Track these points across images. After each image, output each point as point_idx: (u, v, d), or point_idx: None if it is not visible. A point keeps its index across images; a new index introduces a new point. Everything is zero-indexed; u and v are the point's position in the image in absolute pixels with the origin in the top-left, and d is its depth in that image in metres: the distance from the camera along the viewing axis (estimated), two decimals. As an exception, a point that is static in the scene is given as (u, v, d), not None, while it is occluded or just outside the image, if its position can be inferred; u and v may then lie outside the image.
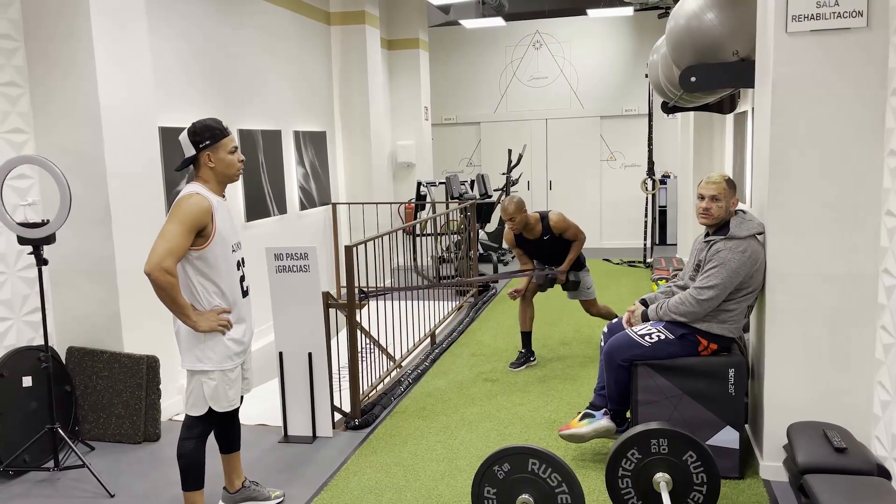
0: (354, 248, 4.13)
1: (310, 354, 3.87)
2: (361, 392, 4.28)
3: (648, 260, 8.99)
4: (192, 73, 5.34)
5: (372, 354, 4.92)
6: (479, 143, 11.22)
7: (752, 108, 5.26)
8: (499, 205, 6.99)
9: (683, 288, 3.34)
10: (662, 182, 10.21)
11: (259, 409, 4.38)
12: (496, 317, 6.53)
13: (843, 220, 3.01)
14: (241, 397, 2.98)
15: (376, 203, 7.60)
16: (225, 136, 2.75)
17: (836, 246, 3.02)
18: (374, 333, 4.97)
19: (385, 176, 8.91)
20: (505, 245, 8.05)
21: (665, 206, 10.49)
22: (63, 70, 3.83)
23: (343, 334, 5.35)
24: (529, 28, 10.82)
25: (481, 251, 9.04)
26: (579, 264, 5.11)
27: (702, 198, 3.23)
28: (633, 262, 9.18)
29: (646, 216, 9.20)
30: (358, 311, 4.33)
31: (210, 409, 2.76)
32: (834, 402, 3.08)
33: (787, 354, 3.13)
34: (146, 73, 4.20)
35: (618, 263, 9.22)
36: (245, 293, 2.87)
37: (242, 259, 2.91)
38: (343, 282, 7.64)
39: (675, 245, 10.05)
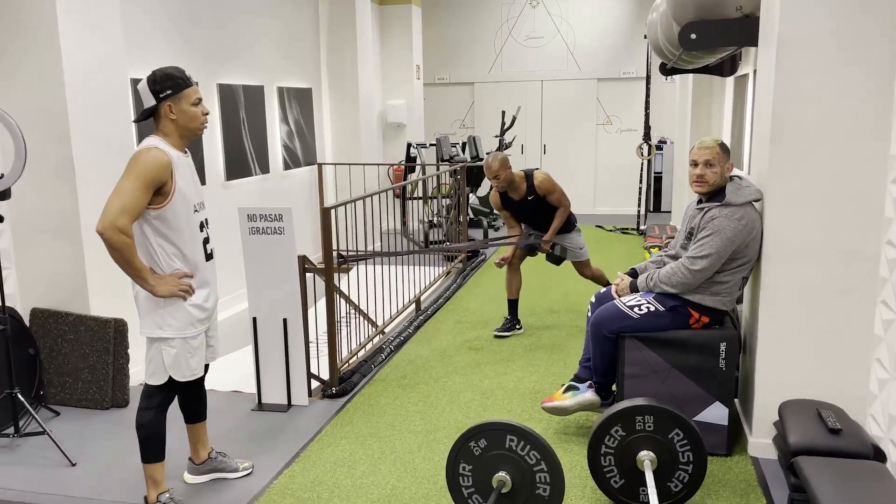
0: (333, 211, 3.94)
1: (284, 320, 3.71)
2: (340, 360, 4.14)
3: (642, 227, 8.82)
4: (167, 23, 5.07)
5: (355, 320, 4.77)
6: (472, 104, 10.94)
7: (755, 70, 5.04)
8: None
9: (675, 258, 3.17)
10: (658, 148, 10.00)
11: (235, 376, 4.24)
12: (483, 284, 6.38)
13: (846, 188, 2.83)
14: (207, 366, 2.83)
15: (363, 164, 7.38)
16: (188, 85, 2.55)
17: (837, 215, 2.85)
18: (358, 298, 4.81)
19: (374, 136, 8.67)
20: (492, 206, 7.87)
21: (660, 173, 10.29)
22: (21, 20, 3.58)
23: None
24: (526, -15, 10.46)
25: (472, 216, 8.85)
26: (570, 225, 4.93)
27: (695, 164, 3.05)
28: (626, 229, 9.01)
29: (640, 182, 9.01)
30: (341, 275, 4.18)
31: (170, 378, 2.61)
32: (828, 379, 2.94)
33: (781, 329, 2.98)
34: (113, 22, 3.95)
35: (611, 230, 9.05)
36: (209, 256, 2.69)
37: (206, 220, 2.72)
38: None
39: (670, 212, 9.87)
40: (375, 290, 5.17)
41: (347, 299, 4.50)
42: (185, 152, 2.65)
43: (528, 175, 4.72)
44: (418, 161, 8.64)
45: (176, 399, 2.78)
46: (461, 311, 5.53)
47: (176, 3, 5.16)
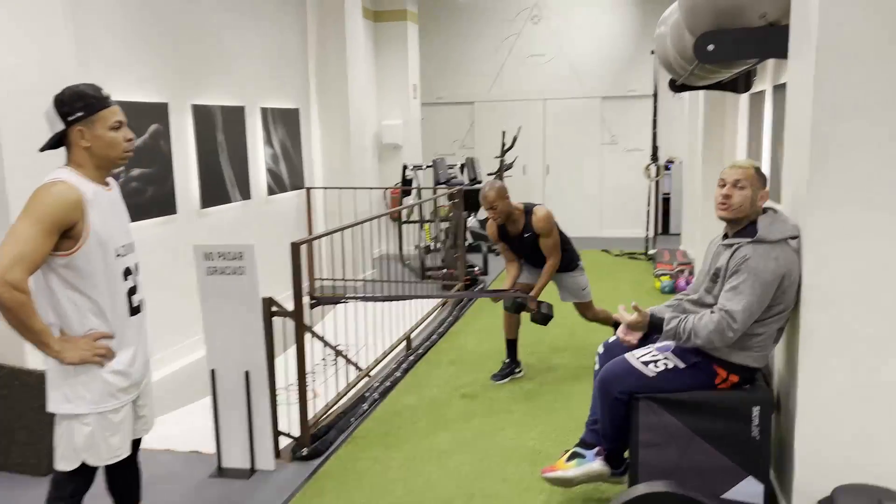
0: (306, 246, 3.49)
1: (247, 374, 3.25)
2: (314, 413, 3.67)
3: (650, 252, 8.35)
4: (134, 39, 4.66)
5: (335, 363, 4.30)
6: (472, 124, 10.53)
7: (776, 85, 4.60)
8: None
9: (698, 303, 2.69)
10: (666, 168, 9.55)
11: (197, 433, 3.76)
12: (483, 315, 5.90)
13: (903, 223, 2.36)
14: (138, 440, 2.36)
15: (354, 188, 6.95)
16: (104, 106, 2.10)
17: (893, 251, 2.38)
18: (343, 335, 4.36)
19: (368, 158, 8.25)
20: (488, 238, 7.42)
21: (668, 194, 9.83)
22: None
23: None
24: (527, 0, 10.08)
25: (470, 240, 8.40)
26: (571, 263, 4.46)
27: (723, 184, 2.59)
28: (634, 254, 8.53)
29: (648, 205, 8.54)
30: (325, 309, 3.72)
31: (84, 462, 2.14)
32: (890, 455, 2.45)
33: (826, 390, 2.49)
34: (60, 35, 3.53)
35: (617, 255, 8.58)
36: (135, 310, 2.23)
37: (135, 266, 2.27)
38: (316, 275, 7.01)
39: (679, 235, 9.40)
40: (357, 326, 4.70)
41: (326, 343, 4.03)
42: (107, 185, 2.20)
43: (528, 210, 4.26)
44: (414, 184, 8.21)
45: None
46: (456, 350, 5.05)
47: (144, 17, 4.76)
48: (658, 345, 2.70)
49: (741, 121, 6.14)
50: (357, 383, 4.29)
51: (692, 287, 2.90)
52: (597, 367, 2.98)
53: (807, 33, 2.49)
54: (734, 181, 2.55)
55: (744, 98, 6.07)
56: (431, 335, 5.33)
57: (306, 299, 6.94)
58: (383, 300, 4.19)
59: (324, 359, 4.66)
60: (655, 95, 8.35)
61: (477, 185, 7.79)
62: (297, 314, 3.43)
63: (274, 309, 3.41)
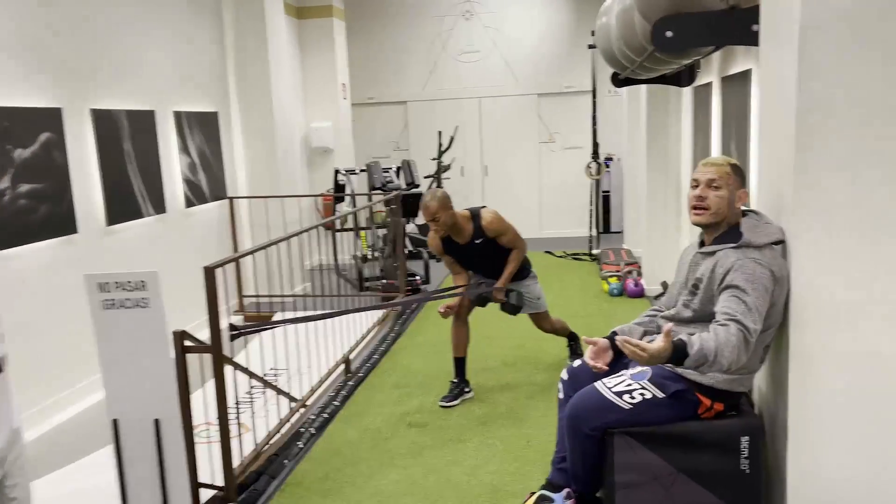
0: (221, 270, 3.02)
1: (157, 422, 2.76)
2: (242, 459, 3.21)
3: (594, 251, 8.14)
4: (17, 34, 4.07)
5: (264, 394, 3.84)
6: (406, 124, 10.13)
7: (734, 75, 4.38)
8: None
9: (676, 319, 2.36)
10: (606, 165, 9.38)
11: (95, 489, 3.23)
12: (428, 329, 5.51)
13: (902, 224, 2.10)
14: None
15: (282, 196, 6.45)
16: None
17: (892, 260, 2.11)
18: (275, 358, 3.90)
19: (296, 164, 7.75)
20: (431, 251, 7.04)
21: (608, 192, 9.68)
22: None
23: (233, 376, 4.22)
24: (458, -4, 9.75)
25: (410, 248, 8.00)
26: (524, 271, 4.14)
27: (696, 184, 2.28)
28: (578, 254, 8.31)
29: (591, 203, 8.34)
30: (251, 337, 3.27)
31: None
32: (892, 484, 2.18)
33: (819, 413, 2.21)
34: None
35: (561, 256, 8.33)
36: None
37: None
38: (246, 291, 6.49)
39: (621, 233, 9.25)
40: (291, 348, 4.24)
41: (251, 375, 3.57)
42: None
43: (475, 215, 3.91)
44: (348, 189, 7.76)
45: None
46: (400, 371, 4.64)
47: (29, 10, 4.17)
48: (632, 371, 2.37)
49: (685, 115, 5.95)
50: (292, 416, 3.83)
51: (664, 301, 2.59)
52: (560, 395, 2.64)
53: (785, 14, 2.21)
54: (708, 181, 2.25)
55: (687, 91, 5.88)
56: (372, 355, 4.91)
57: (239, 318, 6.44)
58: (316, 319, 3.74)
59: (252, 387, 4.18)
60: (594, 91, 8.15)
61: (415, 190, 7.41)
62: (214, 348, 2.96)
63: (188, 344, 2.94)
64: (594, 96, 8.15)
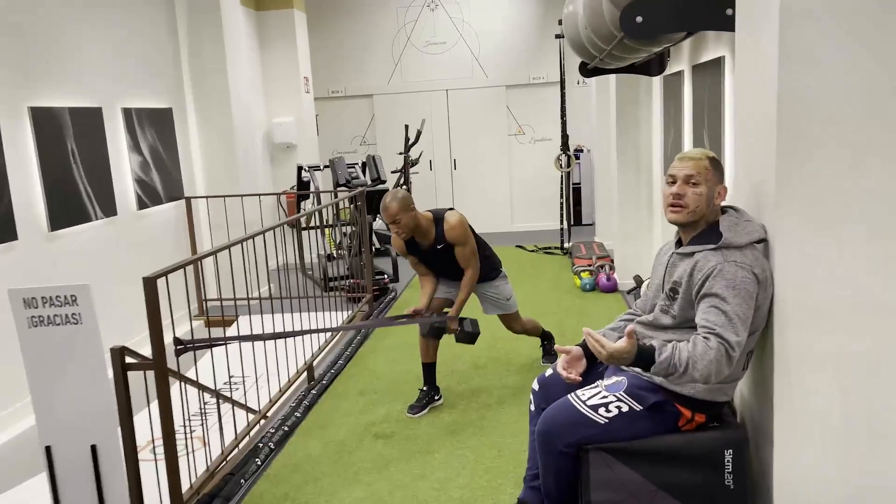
0: (164, 279, 2.79)
1: (94, 448, 2.54)
2: (195, 479, 2.99)
3: (566, 245, 8.00)
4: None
5: (218, 408, 3.61)
6: (372, 118, 9.89)
7: (706, 62, 4.23)
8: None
9: (654, 325, 2.20)
10: (576, 157, 9.25)
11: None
12: (395, 332, 5.31)
13: (893, 217, 1.95)
14: None
15: (241, 195, 6.19)
16: None
17: (882, 256, 1.97)
18: (239, 367, 3.67)
19: (257, 160, 7.49)
20: (394, 251, 6.81)
21: (579, 184, 9.56)
22: None
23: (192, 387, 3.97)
24: (423, -14, 9.53)
25: (377, 245, 7.80)
26: (493, 271, 3.97)
27: (672, 181, 2.11)
28: (550, 248, 8.17)
29: (562, 196, 8.19)
30: (215, 332, 3.04)
31: None
32: (882, 495, 2.05)
33: (806, 422, 2.07)
34: None
35: (533, 251, 8.19)
36: None
37: None
38: (206, 295, 6.23)
39: (592, 225, 9.15)
40: (250, 354, 4.02)
41: (202, 388, 3.35)
42: None
43: (439, 218, 3.71)
44: (312, 186, 7.51)
45: None
46: (366, 377, 4.44)
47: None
48: (607, 382, 2.20)
49: (656, 105, 5.82)
50: (250, 430, 3.61)
51: (640, 304, 2.43)
52: (532, 407, 2.47)
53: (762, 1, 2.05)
54: (686, 177, 2.08)
55: (657, 81, 5.75)
56: (337, 360, 4.70)
57: (199, 323, 6.17)
58: (269, 338, 3.51)
59: (207, 402, 3.95)
60: (563, 82, 7.99)
61: (381, 186, 7.19)
62: (157, 364, 2.73)
63: (129, 361, 2.71)
64: (563, 87, 8.00)
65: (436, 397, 3.90)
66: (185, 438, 3.13)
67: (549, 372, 2.47)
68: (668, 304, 2.14)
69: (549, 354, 4.39)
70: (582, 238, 8.24)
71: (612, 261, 6.56)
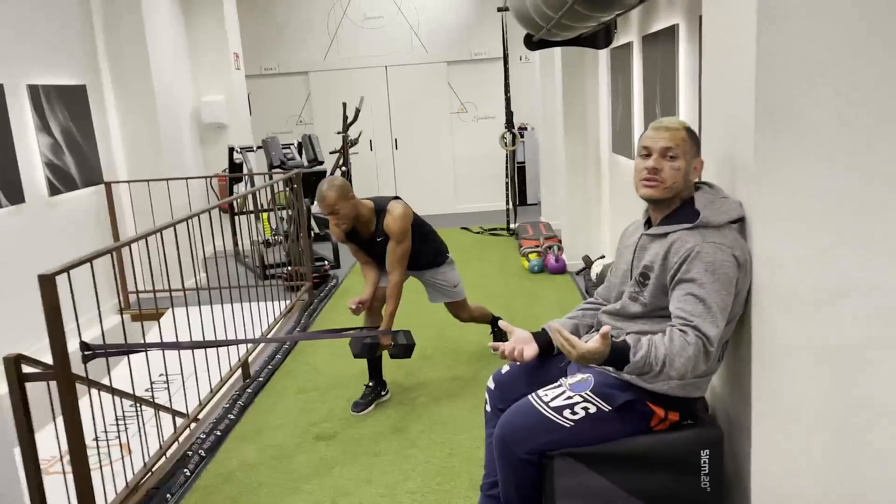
0: (64, 276, 2.44)
1: (-16, 475, 2.19)
2: (113, 497, 2.66)
3: (513, 226, 7.82)
4: None
5: (137, 413, 3.27)
6: (308, 96, 9.47)
7: (658, 32, 4.05)
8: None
9: (622, 315, 2.00)
10: (520, 135, 9.06)
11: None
12: (338, 321, 5.01)
13: (882, 194, 1.78)
14: None
15: (168, 179, 5.75)
16: None
17: (870, 237, 1.80)
18: (169, 364, 3.31)
19: (185, 142, 7.02)
20: (334, 239, 6.48)
21: (523, 163, 9.39)
22: None
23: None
24: (358, -43, 9.11)
25: (316, 230, 7.44)
26: (438, 256, 3.72)
27: (647, 153, 1.89)
28: (496, 229, 7.98)
29: (507, 176, 7.99)
30: (147, 326, 2.70)
31: None
32: (865, 489, 1.90)
33: (787, 418, 1.90)
34: None
35: (478, 232, 7.98)
36: None
37: None
38: (132, 287, 5.79)
39: (538, 205, 9.00)
40: (175, 353, 3.67)
41: (117, 394, 3.00)
42: None
43: (381, 208, 3.42)
44: (245, 169, 7.09)
45: None
46: (306, 372, 4.15)
47: None
48: (572, 380, 1.99)
49: (602, 79, 5.64)
50: (178, 436, 3.29)
51: (602, 292, 2.22)
52: (487, 407, 2.24)
53: (736, -54, 1.84)
54: (663, 150, 1.86)
55: (603, 54, 5.57)
56: (275, 354, 4.39)
57: (123, 318, 5.72)
58: (188, 347, 3.16)
59: (126, 409, 3.59)
60: (506, 58, 7.75)
61: (318, 167, 6.83)
62: (60, 373, 2.39)
63: (28, 370, 2.37)
64: (506, 63, 7.76)
65: (382, 392, 3.65)
66: (99, 451, 2.80)
67: (505, 368, 2.24)
68: (638, 291, 1.93)
69: (502, 342, 4.18)
70: (528, 218, 8.08)
71: (560, 241, 6.41)
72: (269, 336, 4.44)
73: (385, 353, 3.62)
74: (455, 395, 3.65)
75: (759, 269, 1.86)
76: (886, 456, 1.88)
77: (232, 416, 3.55)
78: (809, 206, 1.79)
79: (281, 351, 4.43)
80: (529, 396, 1.98)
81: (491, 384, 2.24)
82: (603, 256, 5.66)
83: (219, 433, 3.38)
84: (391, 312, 3.46)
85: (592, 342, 1.71)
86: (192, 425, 3.45)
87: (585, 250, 5.88)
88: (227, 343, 3.61)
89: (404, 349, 3.48)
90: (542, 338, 2.11)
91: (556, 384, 1.99)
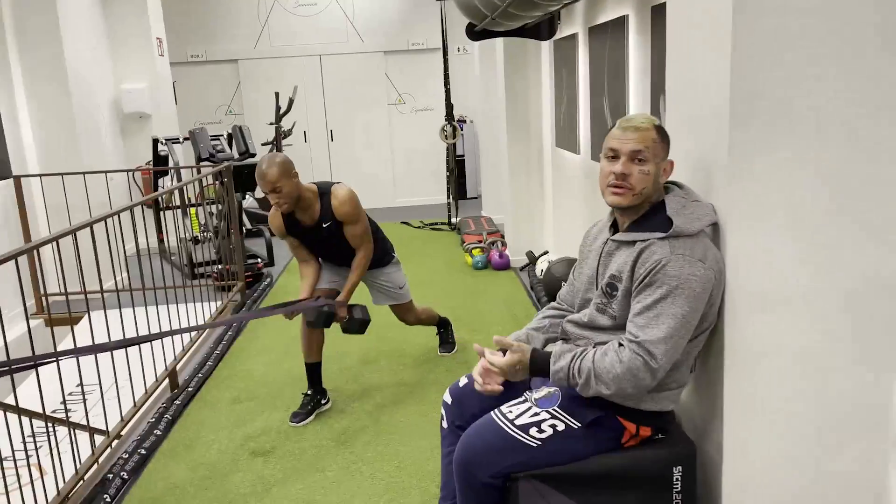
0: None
1: None
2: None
3: (454, 221, 7.67)
4: None
5: (49, 432, 2.96)
6: (238, 85, 9.06)
7: (606, 23, 3.94)
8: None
9: (589, 327, 1.85)
10: (459, 127, 8.91)
11: None
12: (275, 325, 4.74)
13: (860, 191, 1.69)
14: None
15: (86, 172, 5.33)
16: None
17: (849, 238, 1.71)
18: (89, 373, 2.99)
19: (104, 133, 6.56)
20: (269, 233, 6.17)
21: (463, 156, 9.24)
22: None
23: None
24: (290, -59, 8.75)
25: (248, 225, 7.11)
26: (386, 256, 3.52)
27: (614, 155, 1.75)
28: (437, 224, 7.81)
29: (448, 170, 7.83)
30: (61, 333, 2.40)
31: None
32: (840, 498, 1.82)
33: (760, 432, 1.80)
34: None
35: (419, 227, 7.80)
36: None
37: None
38: (44, 289, 5.35)
39: (478, 199, 8.89)
40: (94, 361, 3.35)
41: (24, 414, 2.69)
42: None
43: (324, 191, 3.20)
44: (170, 161, 6.68)
45: None
46: (241, 380, 3.88)
47: None
48: (538, 395, 1.84)
49: (545, 71, 5.53)
50: (98, 456, 2.99)
51: (566, 296, 2.07)
52: (444, 423, 2.07)
53: (708, -73, 1.71)
54: (632, 153, 1.72)
55: (546, 46, 5.46)
56: (206, 361, 4.10)
57: (38, 322, 5.27)
58: (116, 348, 2.86)
59: (35, 429, 3.25)
60: (445, 48, 7.57)
61: (249, 160, 6.49)
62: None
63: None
64: (445, 54, 7.58)
65: (322, 401, 3.43)
66: (4, 476, 2.49)
67: (463, 381, 2.07)
68: (606, 303, 1.79)
69: (448, 343, 4.03)
70: (469, 212, 7.95)
71: (503, 236, 6.30)
72: (208, 324, 4.14)
73: (321, 366, 3.40)
74: (400, 402, 3.46)
75: (733, 274, 1.74)
76: (862, 464, 1.80)
77: (158, 432, 3.27)
78: (791, 208, 1.68)
79: (212, 357, 4.14)
80: (492, 414, 1.82)
81: (448, 398, 2.07)
82: (547, 252, 5.57)
83: (143, 452, 3.09)
84: (353, 283, 3.27)
85: (508, 356, 1.76)
86: (114, 443, 3.16)
87: (529, 245, 5.79)
88: (159, 336, 3.26)
89: (358, 324, 3.30)
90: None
91: (520, 399, 1.83)
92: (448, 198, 7.80)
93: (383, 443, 3.09)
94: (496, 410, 1.83)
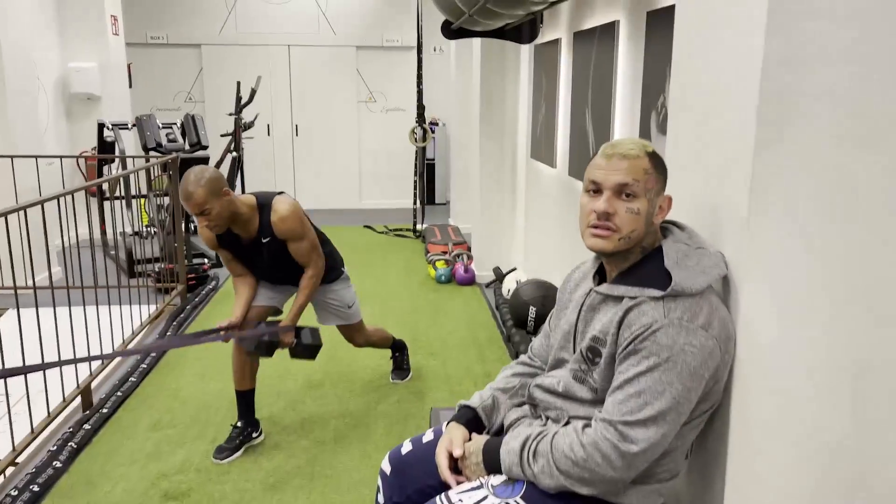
0: None
1: None
2: None
3: (419, 227, 7.29)
4: None
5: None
6: (200, 71, 8.56)
7: (593, 29, 3.60)
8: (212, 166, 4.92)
9: (566, 397, 1.49)
10: (431, 130, 8.55)
11: None
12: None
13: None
14: None
15: (12, 156, 4.83)
16: None
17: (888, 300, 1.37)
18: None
19: (44, 113, 6.05)
20: (203, 245, 5.70)
21: (433, 160, 8.88)
22: None
23: None
24: (263, -77, 8.29)
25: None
26: (333, 271, 3.13)
27: (596, 189, 1.38)
28: (401, 230, 7.42)
29: (416, 174, 7.45)
30: None
31: None
32: None
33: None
34: None
35: (382, 232, 7.41)
36: None
37: None
38: (-40, 282, 4.83)
39: (447, 205, 8.53)
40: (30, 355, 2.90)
41: None
42: None
43: (264, 204, 2.80)
44: (118, 148, 6.18)
45: None
46: (165, 401, 3.44)
47: None
48: (496, 480, 1.46)
49: (524, 76, 5.19)
50: (-20, 492, 2.54)
51: (539, 351, 1.71)
52: (380, 498, 1.69)
53: None
54: (618, 186, 1.35)
55: (526, 50, 5.12)
56: (128, 376, 3.65)
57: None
58: (10, 375, 2.40)
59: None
60: (420, 47, 7.20)
61: (201, 152, 6.03)
62: None
63: None
64: (419, 53, 7.21)
65: (254, 434, 3.02)
66: None
67: (406, 447, 1.69)
68: (586, 370, 1.42)
69: (402, 370, 3.65)
70: (436, 219, 7.59)
71: (470, 248, 5.94)
72: (117, 352, 3.69)
73: (254, 394, 2.99)
74: (342, 439, 3.07)
75: (744, 339, 1.40)
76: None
77: (58, 464, 2.82)
78: (819, 247, 1.33)
79: (136, 372, 3.69)
80: (437, 500, 1.45)
81: (386, 467, 1.69)
82: (515, 269, 5.23)
83: (36, 488, 2.65)
84: (300, 305, 2.88)
85: (458, 449, 1.49)
86: (6, 474, 2.71)
87: (497, 261, 5.44)
88: (56, 364, 2.86)
89: (309, 350, 2.91)
90: (467, 417, 1.60)
91: (474, 485, 1.46)
92: (414, 203, 7.42)
93: (317, 490, 2.69)
94: (443, 496, 1.45)
